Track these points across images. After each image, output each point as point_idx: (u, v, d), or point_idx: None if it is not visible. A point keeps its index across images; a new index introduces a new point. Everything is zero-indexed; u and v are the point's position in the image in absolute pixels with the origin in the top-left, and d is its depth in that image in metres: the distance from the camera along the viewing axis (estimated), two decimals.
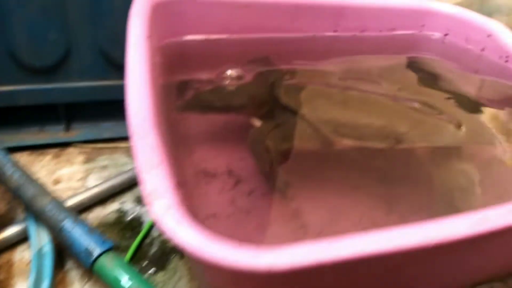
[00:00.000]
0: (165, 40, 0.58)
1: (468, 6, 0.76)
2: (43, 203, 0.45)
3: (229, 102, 0.49)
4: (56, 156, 0.64)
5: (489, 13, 0.74)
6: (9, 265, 0.47)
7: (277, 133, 0.45)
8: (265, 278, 0.24)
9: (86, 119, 0.67)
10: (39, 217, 0.45)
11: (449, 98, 0.57)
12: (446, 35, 0.73)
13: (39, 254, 0.44)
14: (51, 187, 0.58)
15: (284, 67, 0.65)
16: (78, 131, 0.67)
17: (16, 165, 0.47)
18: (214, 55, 0.61)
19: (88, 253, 0.43)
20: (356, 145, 0.44)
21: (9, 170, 0.46)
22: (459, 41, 0.71)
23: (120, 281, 0.41)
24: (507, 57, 0.63)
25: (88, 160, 0.63)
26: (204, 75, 0.59)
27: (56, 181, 0.59)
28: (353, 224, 0.41)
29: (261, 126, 0.46)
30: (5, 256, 0.48)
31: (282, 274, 0.24)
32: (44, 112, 0.65)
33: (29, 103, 0.62)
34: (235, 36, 0.62)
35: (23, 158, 0.63)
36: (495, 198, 0.46)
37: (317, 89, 0.50)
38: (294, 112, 0.46)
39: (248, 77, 0.54)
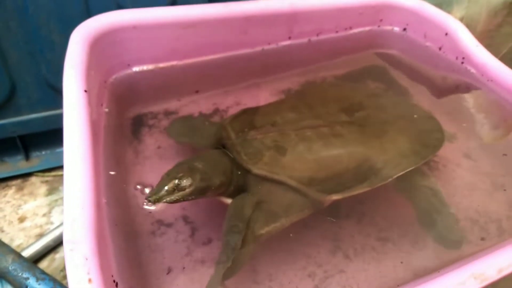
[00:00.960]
0: (112, 74, 0.57)
1: None
2: (6, 264, 0.47)
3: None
4: (20, 188, 0.64)
5: (449, 3, 0.71)
6: None
7: (261, 213, 0.41)
8: None
9: (44, 148, 0.67)
10: (4, 278, 0.47)
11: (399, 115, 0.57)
12: (404, 29, 0.71)
13: None
14: (17, 226, 0.59)
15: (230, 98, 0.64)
16: (38, 160, 0.67)
17: None
18: (164, 85, 0.59)
19: None
20: (344, 196, 0.43)
21: None
22: (418, 37, 0.70)
23: None
24: (463, 58, 0.63)
25: (50, 191, 0.64)
26: (156, 108, 0.58)
27: (22, 219, 0.60)
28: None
29: (242, 197, 0.43)
30: None
31: None
32: (3, 145, 0.64)
33: None
34: (184, 61, 0.60)
35: None
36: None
37: (275, 142, 0.45)
38: (268, 180, 0.43)
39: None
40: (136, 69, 0.58)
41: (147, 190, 0.48)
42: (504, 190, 0.52)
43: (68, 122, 0.42)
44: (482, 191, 0.52)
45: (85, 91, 0.46)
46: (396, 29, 0.71)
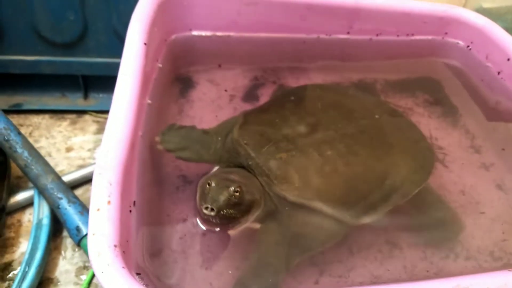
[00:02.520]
0: (173, 33, 0.61)
1: (503, 14, 0.71)
2: (45, 182, 0.53)
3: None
4: (73, 122, 0.71)
5: None
6: (18, 225, 0.56)
7: (298, 250, 0.41)
8: None
9: (102, 91, 0.73)
10: (42, 193, 0.53)
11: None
12: (468, 47, 0.69)
13: (38, 225, 0.52)
14: (63, 154, 0.66)
15: (286, 65, 0.66)
16: (95, 101, 0.73)
17: (25, 143, 0.54)
18: (218, 52, 0.63)
19: (78, 231, 0.50)
20: (374, 219, 0.44)
21: (19, 149, 0.53)
22: (480, 55, 0.68)
23: None
24: None
25: (99, 131, 0.70)
26: (206, 72, 0.62)
27: (69, 149, 0.67)
28: None
29: (274, 230, 0.43)
30: (16, 216, 0.57)
31: None
32: (66, 81, 0.71)
33: (51, 72, 0.68)
34: (241, 34, 0.63)
35: (44, 120, 0.71)
36: None
37: (300, 162, 0.44)
38: (303, 207, 0.42)
39: None
40: (195, 33, 0.62)
41: None
42: None
43: (123, 67, 0.47)
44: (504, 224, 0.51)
45: (145, 43, 0.50)
46: (461, 43, 0.70)
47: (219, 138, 0.49)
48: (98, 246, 0.31)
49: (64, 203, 0.52)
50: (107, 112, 0.71)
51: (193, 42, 0.63)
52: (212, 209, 0.38)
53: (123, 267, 0.31)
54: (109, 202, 0.34)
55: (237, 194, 0.39)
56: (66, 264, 0.53)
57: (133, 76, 0.46)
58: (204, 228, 0.44)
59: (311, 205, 0.42)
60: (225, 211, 0.39)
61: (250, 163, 0.44)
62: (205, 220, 0.43)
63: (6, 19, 0.62)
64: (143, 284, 0.31)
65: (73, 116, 0.72)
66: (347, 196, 0.44)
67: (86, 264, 0.53)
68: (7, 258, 0.53)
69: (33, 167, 0.53)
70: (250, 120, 0.49)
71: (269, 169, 0.43)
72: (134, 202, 0.39)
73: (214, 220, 0.40)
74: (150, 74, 0.53)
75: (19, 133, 0.54)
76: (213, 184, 0.40)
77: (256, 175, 0.44)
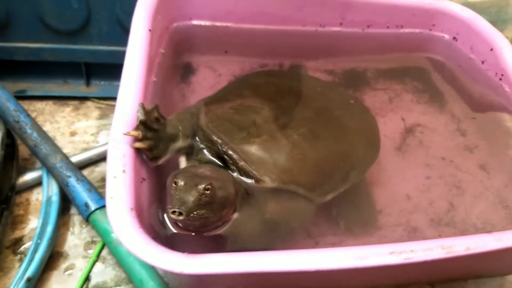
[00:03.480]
0: (174, 23, 0.64)
1: (486, 8, 0.75)
2: (54, 161, 0.55)
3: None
4: (76, 108, 0.73)
5: (505, 20, 0.73)
6: (27, 203, 0.59)
7: (279, 235, 0.43)
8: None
9: (104, 78, 0.75)
10: (51, 172, 0.56)
11: None
12: (454, 38, 0.73)
13: (48, 202, 0.55)
14: (68, 138, 0.68)
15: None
16: (96, 88, 0.75)
17: (34, 125, 0.57)
18: (216, 41, 0.66)
19: (86, 207, 0.53)
20: (336, 194, 0.47)
21: (28, 130, 0.56)
22: (465, 47, 0.71)
23: (109, 233, 0.52)
24: (502, 75, 0.65)
25: (102, 116, 0.73)
26: (204, 60, 0.65)
27: (73, 133, 0.69)
28: None
29: (253, 217, 0.43)
30: (24, 195, 0.59)
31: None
32: (68, 69, 0.73)
33: (55, 60, 0.71)
34: (237, 25, 0.66)
35: (48, 106, 0.73)
36: None
37: (271, 147, 0.45)
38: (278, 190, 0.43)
39: None
40: (195, 22, 0.65)
41: None
42: (506, 206, 0.55)
43: (130, 51, 0.49)
44: (487, 202, 0.55)
45: (150, 30, 0.53)
46: (446, 36, 0.73)
47: (181, 128, 0.46)
48: (117, 209, 0.34)
49: (72, 181, 0.54)
50: (108, 98, 0.75)
51: (193, 31, 0.66)
52: (180, 213, 0.35)
53: (139, 227, 0.34)
54: (123, 171, 0.37)
55: (208, 192, 0.37)
56: (74, 239, 0.56)
57: (139, 59, 0.49)
58: (174, 231, 0.41)
59: (288, 188, 0.43)
60: (195, 213, 0.37)
61: (224, 149, 0.43)
62: (175, 224, 0.40)
63: (12, 7, 0.65)
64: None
65: (75, 102, 0.74)
66: (316, 178, 0.46)
67: (94, 239, 0.56)
68: (17, 233, 0.55)
69: (42, 147, 0.56)
70: (213, 108, 0.49)
71: (245, 155, 0.43)
72: (143, 178, 0.42)
73: (183, 224, 0.39)
74: (154, 58, 0.55)
75: (28, 115, 0.57)
76: (180, 183, 0.37)
77: (228, 164, 0.44)
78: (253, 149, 0.44)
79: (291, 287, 0.48)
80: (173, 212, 0.36)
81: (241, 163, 0.43)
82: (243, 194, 0.43)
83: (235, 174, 0.43)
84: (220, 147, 0.44)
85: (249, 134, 0.45)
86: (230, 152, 0.43)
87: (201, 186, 0.37)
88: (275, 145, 0.45)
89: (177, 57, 0.63)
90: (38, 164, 0.62)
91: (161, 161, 0.44)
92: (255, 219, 0.43)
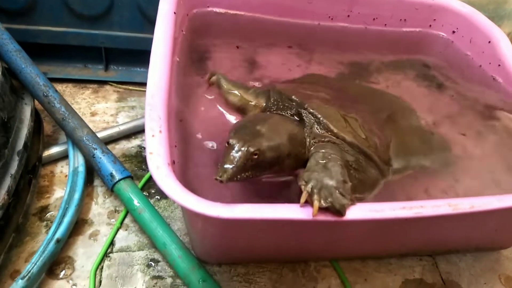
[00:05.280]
0: (194, 8, 0.68)
1: (485, 5, 0.80)
2: (81, 134, 0.58)
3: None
4: (95, 91, 0.77)
5: (502, 16, 0.77)
6: (51, 175, 0.62)
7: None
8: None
9: (122, 63, 0.79)
10: (77, 144, 0.59)
11: None
12: (453, 32, 0.78)
13: (75, 172, 0.58)
14: (88, 117, 0.71)
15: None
16: (115, 72, 0.79)
17: (62, 100, 0.60)
18: (230, 28, 0.70)
19: (112, 177, 0.56)
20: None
21: (57, 104, 0.59)
22: (464, 41, 0.76)
23: (132, 201, 0.55)
24: (499, 65, 0.69)
25: (120, 99, 0.76)
26: (218, 45, 0.68)
27: (93, 114, 0.72)
28: None
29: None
30: (49, 168, 0.62)
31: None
32: (89, 53, 0.76)
33: (77, 44, 0.74)
34: (253, 14, 0.70)
35: (68, 88, 0.76)
36: None
37: (344, 116, 0.49)
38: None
39: None
40: (212, 9, 0.69)
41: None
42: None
43: (158, 30, 0.53)
44: None
45: (174, 12, 0.57)
46: (447, 31, 0.78)
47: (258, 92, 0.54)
48: (156, 162, 0.38)
49: (98, 153, 0.58)
50: (126, 83, 0.78)
51: (210, 17, 0.70)
52: (221, 181, 0.37)
53: (175, 178, 0.37)
54: (160, 131, 0.41)
55: (255, 156, 0.39)
56: (98, 208, 0.59)
57: (166, 38, 0.53)
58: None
59: (364, 149, 0.46)
60: (239, 176, 0.38)
61: (305, 107, 0.47)
62: None
63: None
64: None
65: (94, 85, 0.77)
66: (386, 155, 0.50)
67: (117, 208, 0.59)
68: (43, 202, 0.58)
69: (69, 121, 0.59)
70: (286, 85, 0.55)
71: (324, 114, 0.47)
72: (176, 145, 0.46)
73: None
74: (177, 38, 0.59)
75: (56, 91, 0.60)
76: (232, 142, 0.39)
77: (304, 121, 0.47)
78: (330, 111, 0.48)
79: (304, 252, 0.52)
80: (216, 179, 0.37)
81: (323, 119, 0.46)
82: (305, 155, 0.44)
83: (310, 129, 0.46)
84: (300, 106, 0.48)
85: (323, 101, 0.50)
86: (312, 110, 0.47)
87: (250, 149, 0.39)
88: (346, 115, 0.49)
89: (195, 40, 0.67)
90: (61, 140, 0.66)
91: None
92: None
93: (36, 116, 0.63)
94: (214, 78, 0.57)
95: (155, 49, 0.50)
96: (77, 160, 0.59)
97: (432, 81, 0.72)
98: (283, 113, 0.49)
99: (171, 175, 0.38)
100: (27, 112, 0.58)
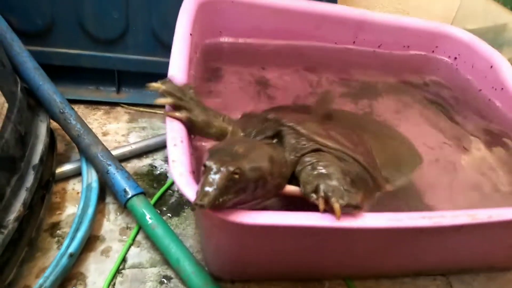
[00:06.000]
0: (206, 36, 0.70)
1: (484, 33, 0.83)
2: (96, 151, 0.59)
3: None
4: (107, 112, 0.78)
5: (501, 44, 0.80)
6: (63, 192, 0.62)
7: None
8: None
9: (134, 86, 0.80)
10: (91, 161, 0.59)
11: None
12: (455, 58, 0.81)
13: (88, 188, 0.58)
14: (100, 137, 0.71)
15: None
16: (126, 94, 0.80)
17: (78, 117, 0.61)
18: (243, 52, 0.72)
19: (125, 193, 0.56)
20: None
21: (73, 121, 0.60)
22: (466, 66, 0.79)
23: (146, 216, 0.55)
24: (502, 88, 0.72)
25: (131, 120, 0.77)
26: (234, 67, 0.71)
27: (105, 133, 0.73)
28: None
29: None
30: (60, 185, 0.62)
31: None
32: (101, 75, 0.78)
33: (90, 66, 0.76)
34: (265, 40, 0.73)
35: (80, 109, 0.77)
36: None
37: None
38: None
39: None
40: (223, 35, 0.72)
41: None
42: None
43: (176, 47, 0.55)
44: None
45: (190, 34, 0.59)
46: (449, 57, 0.81)
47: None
48: (179, 169, 0.39)
49: (112, 169, 0.58)
50: (137, 105, 0.80)
51: (222, 41, 0.72)
52: (201, 207, 0.34)
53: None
54: (182, 141, 0.42)
55: (236, 176, 0.36)
56: (110, 225, 0.58)
57: (183, 54, 0.55)
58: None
59: (352, 155, 0.46)
60: (221, 200, 0.36)
61: (283, 122, 0.47)
62: None
63: (57, 15, 0.70)
64: None
65: (106, 107, 0.79)
66: (374, 162, 0.51)
67: (129, 225, 0.59)
68: (54, 218, 0.58)
69: (84, 137, 0.59)
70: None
71: (304, 126, 0.47)
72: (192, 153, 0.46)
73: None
74: (192, 58, 0.61)
75: (72, 108, 0.61)
76: (209, 165, 0.36)
77: (282, 139, 0.46)
78: (307, 124, 0.48)
79: (320, 268, 0.52)
80: (195, 205, 0.35)
81: (302, 130, 0.46)
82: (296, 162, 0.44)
83: (291, 146, 0.45)
84: (278, 122, 0.47)
85: (302, 119, 0.50)
86: (289, 124, 0.47)
87: (230, 169, 0.36)
88: (323, 127, 0.49)
89: (208, 61, 0.69)
90: (74, 158, 0.66)
91: (194, 124, 0.46)
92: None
93: (50, 134, 0.63)
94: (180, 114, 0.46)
95: (172, 65, 0.52)
96: (91, 176, 0.60)
97: (434, 104, 0.74)
98: (261, 136, 0.48)
99: (193, 182, 0.38)
100: (42, 129, 0.59)
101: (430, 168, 0.60)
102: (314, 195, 0.39)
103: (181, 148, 0.41)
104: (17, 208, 0.48)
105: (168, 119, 0.44)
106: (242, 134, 0.49)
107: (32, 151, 0.55)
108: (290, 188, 0.42)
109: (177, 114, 0.44)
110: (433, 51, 0.82)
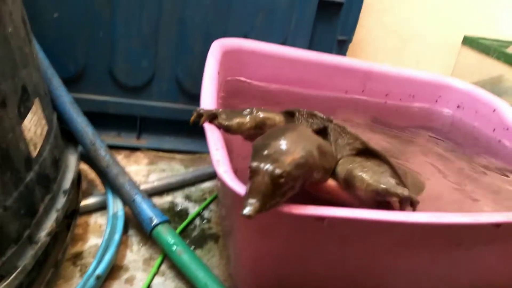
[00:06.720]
0: (229, 77, 0.75)
1: (482, 86, 0.89)
2: (123, 180, 0.60)
3: None
4: (127, 156, 0.80)
5: (499, 94, 0.86)
6: (86, 225, 0.61)
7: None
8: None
9: (153, 132, 0.83)
10: (118, 190, 0.60)
11: None
12: (458, 106, 0.86)
13: (114, 216, 0.58)
14: None
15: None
16: (146, 141, 0.83)
17: (107, 149, 0.62)
18: (260, 97, 0.77)
19: (151, 221, 0.56)
20: None
21: (103, 153, 0.61)
22: (469, 113, 0.84)
23: (172, 243, 0.54)
24: (507, 129, 0.75)
25: (151, 163, 0.79)
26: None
27: None
28: None
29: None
30: (83, 218, 0.62)
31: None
32: (123, 121, 0.81)
33: (115, 112, 0.80)
34: (281, 86, 0.78)
35: None
36: None
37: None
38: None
39: None
40: (244, 79, 0.77)
41: None
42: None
43: (206, 82, 0.59)
44: None
45: (218, 72, 0.64)
46: (448, 111, 0.86)
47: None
48: (223, 167, 0.40)
49: (139, 198, 0.58)
50: (156, 150, 0.82)
51: (242, 85, 0.77)
52: (249, 217, 0.33)
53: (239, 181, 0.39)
54: (222, 146, 0.43)
55: (282, 180, 0.35)
56: (133, 255, 0.57)
57: (212, 88, 0.58)
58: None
59: (389, 160, 0.47)
60: (268, 205, 0.35)
61: (327, 124, 0.48)
62: None
63: (89, 63, 0.76)
64: None
65: (126, 151, 0.81)
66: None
67: (153, 256, 0.57)
68: (77, 248, 0.57)
69: (113, 168, 0.61)
70: None
71: (351, 129, 0.48)
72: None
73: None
74: (218, 94, 0.65)
75: (102, 141, 0.63)
76: (253, 167, 0.35)
77: (330, 134, 0.47)
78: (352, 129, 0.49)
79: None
80: (243, 216, 0.34)
81: (351, 130, 0.47)
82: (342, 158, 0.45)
83: (336, 142, 0.46)
84: (326, 120, 0.48)
85: None
86: (338, 123, 0.48)
87: (275, 173, 0.35)
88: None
89: (230, 100, 0.73)
90: (95, 193, 0.66)
91: (226, 126, 0.48)
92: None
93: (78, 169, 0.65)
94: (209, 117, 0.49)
95: (204, 98, 0.55)
96: (116, 206, 0.60)
97: (442, 147, 0.77)
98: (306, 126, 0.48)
99: (237, 179, 0.39)
100: (72, 160, 0.61)
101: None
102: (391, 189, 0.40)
103: (222, 151, 0.42)
104: (48, 225, 0.48)
105: (207, 130, 0.46)
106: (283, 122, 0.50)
107: (63, 176, 0.56)
108: (332, 183, 0.43)
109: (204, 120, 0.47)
110: (436, 101, 0.87)
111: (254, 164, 0.36)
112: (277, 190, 0.35)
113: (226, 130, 0.48)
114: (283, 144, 0.38)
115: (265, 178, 0.35)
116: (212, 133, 0.46)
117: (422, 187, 0.60)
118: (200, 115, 0.48)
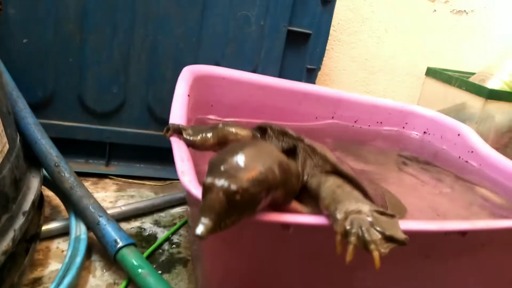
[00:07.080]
0: (199, 104, 0.75)
1: (446, 113, 0.93)
2: (87, 202, 0.58)
3: None
4: (95, 183, 0.78)
5: (463, 120, 0.90)
6: (47, 250, 0.58)
7: None
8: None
9: (123, 159, 0.82)
10: (82, 213, 0.58)
11: None
12: (425, 132, 0.89)
13: (76, 239, 0.55)
14: None
15: None
16: (114, 168, 0.81)
17: (72, 171, 0.61)
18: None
19: (116, 243, 0.54)
20: None
21: (67, 174, 0.60)
22: (436, 138, 0.86)
23: (137, 266, 0.52)
24: (472, 151, 0.78)
25: (119, 190, 0.77)
26: None
27: None
28: None
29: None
30: (44, 243, 0.59)
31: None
32: (91, 148, 0.80)
33: (84, 138, 0.78)
34: (249, 119, 0.79)
35: None
36: None
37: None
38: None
39: None
40: (214, 108, 0.77)
41: None
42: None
43: (176, 102, 0.59)
44: None
45: (188, 95, 0.64)
46: (417, 133, 0.89)
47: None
48: (188, 177, 0.39)
49: (103, 220, 0.57)
50: (125, 177, 0.80)
51: (212, 111, 0.77)
52: (201, 238, 0.31)
53: None
54: (188, 159, 0.43)
55: (238, 197, 0.32)
56: (96, 281, 0.54)
57: (182, 108, 0.58)
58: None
59: (358, 181, 0.43)
60: (222, 224, 0.32)
61: (301, 138, 0.46)
62: None
63: (57, 88, 0.75)
64: None
65: (94, 178, 0.79)
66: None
67: (116, 281, 0.55)
68: (36, 274, 0.54)
69: (77, 190, 0.59)
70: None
71: (322, 149, 0.45)
72: None
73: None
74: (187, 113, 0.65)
75: (66, 163, 0.62)
76: (207, 184, 0.33)
77: (297, 154, 0.45)
78: (327, 150, 0.46)
79: None
80: (195, 236, 0.31)
81: (320, 151, 0.44)
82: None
83: (304, 162, 0.44)
84: (296, 139, 0.46)
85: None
86: (308, 142, 0.45)
87: (230, 190, 0.32)
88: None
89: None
90: (58, 219, 0.64)
91: (191, 141, 0.47)
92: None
93: (40, 194, 0.62)
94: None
95: (173, 116, 0.55)
96: (79, 229, 0.57)
97: (411, 168, 0.79)
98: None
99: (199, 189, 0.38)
100: (34, 183, 0.58)
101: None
102: (351, 236, 0.34)
103: (188, 163, 0.42)
104: (4, 244, 0.45)
105: (173, 143, 0.46)
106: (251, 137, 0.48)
107: (24, 198, 0.54)
108: (296, 206, 0.42)
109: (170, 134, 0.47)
110: (403, 127, 0.90)
111: (209, 180, 0.33)
112: (232, 209, 0.33)
113: (190, 145, 0.48)
114: (241, 159, 0.35)
115: (219, 195, 0.32)
116: (178, 145, 0.45)
117: (404, 209, 0.60)
118: (168, 130, 0.48)
